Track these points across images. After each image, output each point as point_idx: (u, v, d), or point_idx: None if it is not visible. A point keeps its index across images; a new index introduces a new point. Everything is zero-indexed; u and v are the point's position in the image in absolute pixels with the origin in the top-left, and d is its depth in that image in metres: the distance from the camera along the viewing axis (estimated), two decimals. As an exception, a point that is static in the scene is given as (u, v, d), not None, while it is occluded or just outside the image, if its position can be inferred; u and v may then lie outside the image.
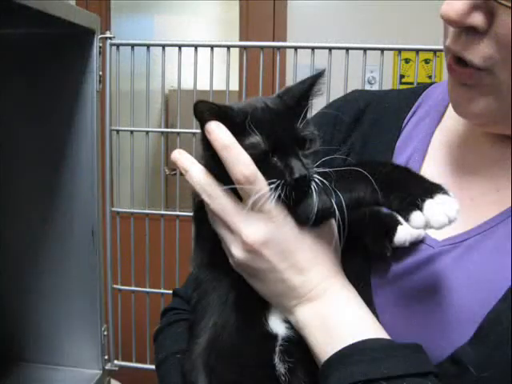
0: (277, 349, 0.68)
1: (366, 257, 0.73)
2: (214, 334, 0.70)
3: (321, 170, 0.65)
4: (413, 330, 0.67)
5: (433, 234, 0.71)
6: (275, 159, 0.64)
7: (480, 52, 0.61)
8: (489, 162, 0.74)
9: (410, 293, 0.69)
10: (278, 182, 0.63)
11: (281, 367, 0.67)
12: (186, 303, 0.93)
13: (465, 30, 0.61)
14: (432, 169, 0.77)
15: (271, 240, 0.64)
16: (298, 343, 0.67)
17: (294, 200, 0.63)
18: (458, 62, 0.64)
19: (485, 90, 0.64)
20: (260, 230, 0.64)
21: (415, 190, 0.59)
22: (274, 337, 0.68)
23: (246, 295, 0.69)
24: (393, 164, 0.66)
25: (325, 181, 0.63)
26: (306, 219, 0.64)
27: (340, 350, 0.61)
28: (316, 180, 0.63)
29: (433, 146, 0.80)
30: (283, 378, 0.67)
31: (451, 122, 0.80)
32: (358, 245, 0.73)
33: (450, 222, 0.58)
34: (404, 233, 0.69)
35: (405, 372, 0.57)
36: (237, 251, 0.66)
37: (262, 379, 0.68)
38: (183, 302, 0.94)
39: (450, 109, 0.80)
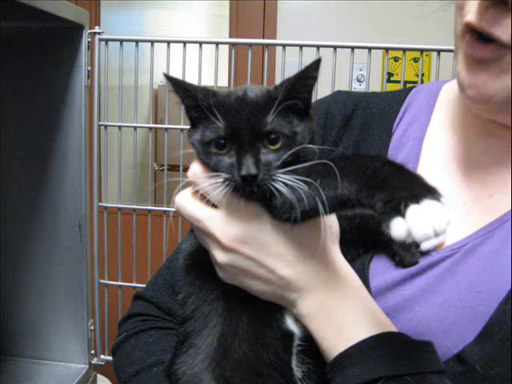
0: (294, 350, 0.67)
1: (366, 261, 0.73)
2: (223, 343, 0.68)
3: (287, 169, 0.61)
4: (414, 331, 0.66)
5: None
6: (232, 152, 0.62)
7: (509, 27, 0.58)
8: (481, 168, 0.74)
9: (411, 296, 0.69)
10: (226, 177, 0.62)
11: (298, 370, 0.67)
12: (157, 308, 0.88)
13: (493, 4, 0.59)
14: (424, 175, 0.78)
15: (246, 235, 0.64)
16: (313, 342, 0.66)
17: (257, 195, 0.62)
18: (479, 39, 0.62)
19: (504, 67, 0.62)
20: (230, 227, 0.64)
21: (401, 193, 0.52)
22: (290, 337, 0.67)
23: (253, 300, 0.68)
24: (388, 160, 0.60)
25: (289, 181, 0.59)
26: (280, 217, 0.63)
27: (344, 351, 0.61)
28: (280, 179, 0.60)
29: (424, 153, 0.80)
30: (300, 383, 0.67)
31: (440, 128, 0.81)
32: (357, 250, 0.73)
33: (437, 234, 0.50)
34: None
35: (405, 372, 0.58)
36: (218, 254, 0.66)
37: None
38: (151, 306, 0.89)
39: (439, 115, 0.81)
